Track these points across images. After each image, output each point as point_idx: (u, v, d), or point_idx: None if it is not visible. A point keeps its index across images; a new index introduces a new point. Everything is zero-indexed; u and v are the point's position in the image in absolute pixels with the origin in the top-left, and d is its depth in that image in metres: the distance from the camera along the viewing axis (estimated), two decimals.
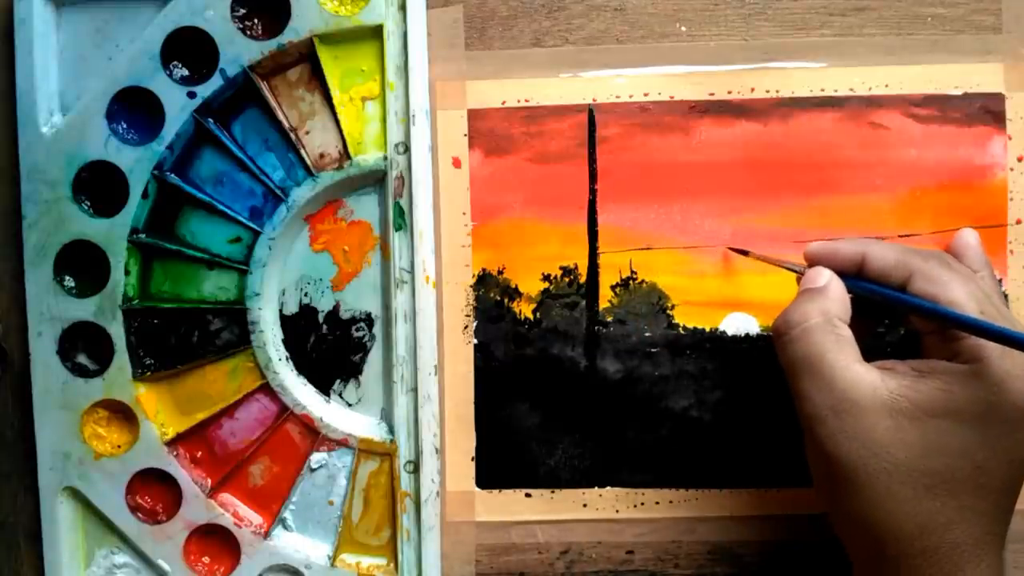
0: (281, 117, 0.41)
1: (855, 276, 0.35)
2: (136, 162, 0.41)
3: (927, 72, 0.41)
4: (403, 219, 0.41)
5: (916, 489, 0.31)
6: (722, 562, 0.42)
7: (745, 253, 0.40)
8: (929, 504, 0.31)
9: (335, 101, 0.41)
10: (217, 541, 0.43)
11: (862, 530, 0.33)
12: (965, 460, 0.31)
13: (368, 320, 0.42)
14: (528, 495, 0.43)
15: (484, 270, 0.42)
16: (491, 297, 0.42)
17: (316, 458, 0.43)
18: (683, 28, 0.42)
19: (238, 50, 0.40)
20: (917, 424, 0.31)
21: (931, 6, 0.41)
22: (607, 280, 0.42)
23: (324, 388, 0.43)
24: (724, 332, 0.42)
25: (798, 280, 0.37)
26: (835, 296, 0.34)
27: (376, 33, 0.41)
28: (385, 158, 0.41)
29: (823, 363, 0.32)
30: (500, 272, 0.42)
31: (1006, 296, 0.41)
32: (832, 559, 0.42)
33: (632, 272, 0.42)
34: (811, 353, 0.33)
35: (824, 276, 0.35)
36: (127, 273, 0.42)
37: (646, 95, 0.42)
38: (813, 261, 0.37)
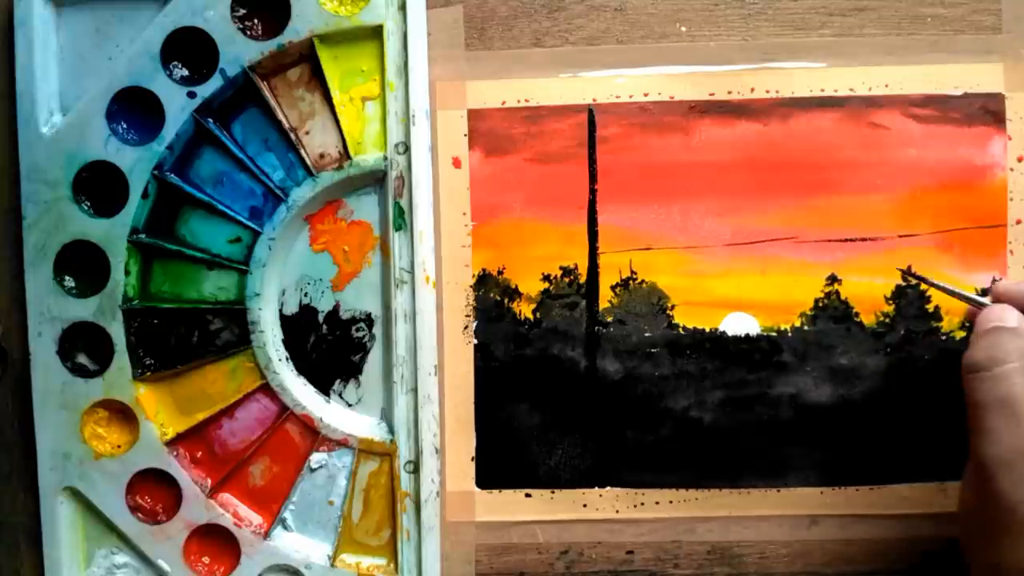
0: (281, 117, 0.41)
1: None
2: (136, 162, 0.41)
3: (927, 72, 0.41)
4: (403, 219, 0.41)
5: None
6: (722, 562, 0.42)
7: (923, 280, 0.39)
8: None
9: (335, 101, 0.41)
10: (217, 541, 0.43)
11: None
12: None
13: (368, 320, 0.42)
14: (528, 495, 0.43)
15: (484, 270, 0.42)
16: (491, 297, 0.42)
17: (316, 458, 0.43)
18: (683, 28, 0.42)
19: (238, 50, 0.40)
20: None
21: (931, 6, 0.41)
22: (607, 280, 0.42)
23: (324, 388, 0.43)
24: (724, 332, 0.42)
25: (972, 314, 0.36)
26: None
27: (376, 33, 0.41)
28: (385, 158, 0.41)
29: (1021, 407, 0.31)
30: (500, 272, 0.42)
31: None
32: (831, 558, 0.42)
33: (632, 272, 0.42)
34: (1010, 395, 0.32)
35: (1015, 316, 0.34)
36: (127, 273, 0.42)
37: (646, 95, 0.42)
38: (1002, 298, 0.36)
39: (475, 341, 0.42)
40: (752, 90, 0.41)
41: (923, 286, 0.40)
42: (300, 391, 0.42)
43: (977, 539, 0.33)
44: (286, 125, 0.41)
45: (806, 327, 0.41)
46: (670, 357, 0.42)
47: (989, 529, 0.32)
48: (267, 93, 0.41)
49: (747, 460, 0.42)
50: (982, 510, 0.33)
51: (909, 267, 0.40)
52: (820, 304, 0.41)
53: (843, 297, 0.41)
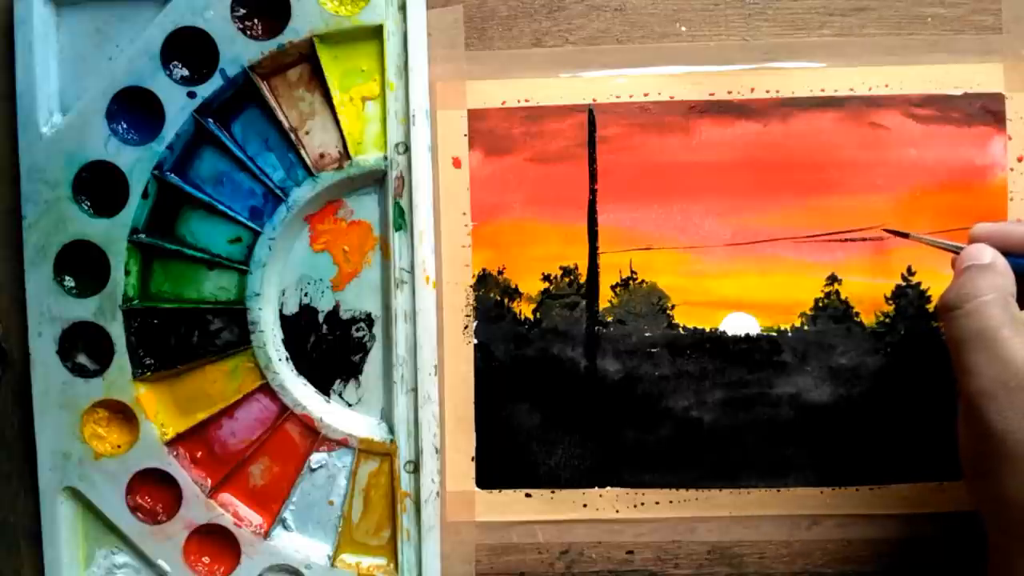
0: (281, 117, 0.41)
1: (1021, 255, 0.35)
2: (136, 162, 0.41)
3: (927, 72, 0.41)
4: (403, 219, 0.41)
5: None
6: (722, 562, 0.42)
7: (905, 235, 0.39)
8: None
9: (335, 101, 0.41)
10: (217, 541, 0.43)
11: (1019, 508, 0.32)
12: None
13: (368, 320, 0.42)
14: (528, 495, 0.43)
15: (484, 270, 0.42)
16: (491, 297, 0.42)
17: (316, 458, 0.43)
18: (683, 28, 0.42)
19: (238, 50, 0.40)
20: None
21: (931, 6, 0.41)
22: (607, 280, 0.42)
23: (324, 388, 0.43)
24: (724, 332, 0.42)
25: (953, 262, 0.36)
26: (1005, 272, 0.34)
27: (376, 33, 0.41)
28: (385, 158, 0.41)
29: (998, 338, 0.32)
30: (500, 272, 0.42)
31: None
32: (831, 558, 0.42)
33: (632, 272, 0.42)
34: (986, 327, 0.32)
35: (988, 253, 0.35)
36: (127, 273, 0.42)
37: (646, 95, 0.42)
38: (979, 239, 0.36)
39: (475, 341, 0.42)
40: (752, 90, 0.41)
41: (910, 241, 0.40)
42: (300, 391, 0.42)
43: (977, 476, 0.34)
44: (286, 125, 0.41)
45: (806, 327, 0.41)
46: (670, 357, 0.42)
47: (985, 463, 0.33)
48: (267, 93, 0.41)
49: (747, 460, 0.42)
50: (976, 446, 0.34)
51: (890, 229, 0.40)
52: (820, 304, 0.41)
53: (843, 297, 0.41)
